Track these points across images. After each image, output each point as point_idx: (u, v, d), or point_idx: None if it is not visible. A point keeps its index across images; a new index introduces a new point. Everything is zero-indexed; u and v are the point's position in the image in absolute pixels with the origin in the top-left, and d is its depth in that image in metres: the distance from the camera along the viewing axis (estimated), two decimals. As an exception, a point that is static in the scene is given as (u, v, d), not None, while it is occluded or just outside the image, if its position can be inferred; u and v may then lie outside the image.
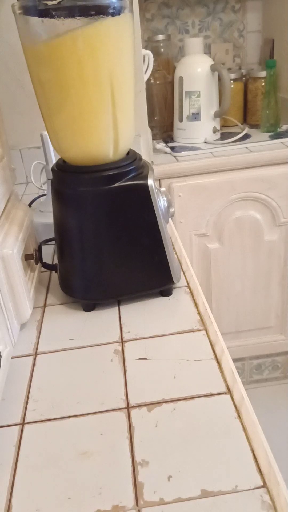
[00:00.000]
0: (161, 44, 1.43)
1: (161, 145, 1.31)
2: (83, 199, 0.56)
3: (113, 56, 0.51)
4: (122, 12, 0.52)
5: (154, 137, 1.35)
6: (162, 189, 0.62)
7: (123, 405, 0.46)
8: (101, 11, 0.50)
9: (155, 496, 0.36)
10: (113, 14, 0.50)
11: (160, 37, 1.43)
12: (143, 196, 0.57)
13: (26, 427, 0.44)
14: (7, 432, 0.44)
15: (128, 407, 0.45)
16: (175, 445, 0.40)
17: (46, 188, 0.88)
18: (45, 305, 0.64)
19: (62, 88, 0.51)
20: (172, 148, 1.28)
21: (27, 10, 0.51)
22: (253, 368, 1.58)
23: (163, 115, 1.42)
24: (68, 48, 0.49)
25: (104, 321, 0.59)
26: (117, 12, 0.51)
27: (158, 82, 1.39)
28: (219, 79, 1.28)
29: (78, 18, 0.49)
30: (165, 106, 1.41)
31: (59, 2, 0.48)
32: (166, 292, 0.63)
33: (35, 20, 0.51)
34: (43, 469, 0.40)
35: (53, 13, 0.49)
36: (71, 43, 0.49)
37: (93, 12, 0.50)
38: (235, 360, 1.51)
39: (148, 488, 0.37)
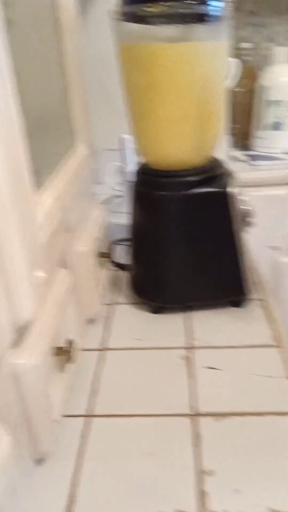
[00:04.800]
0: (246, 53, 1.41)
1: (238, 153, 1.29)
2: (163, 202, 0.57)
3: (207, 63, 0.51)
4: (218, 20, 0.52)
5: (232, 145, 1.33)
6: (242, 197, 0.61)
7: (189, 411, 0.45)
8: (199, 19, 0.50)
9: (219, 507, 0.35)
10: (210, 22, 0.51)
11: (246, 45, 1.42)
12: (222, 203, 0.56)
13: (92, 419, 0.45)
14: (74, 421, 0.45)
15: (195, 414, 0.45)
16: (243, 459, 0.39)
17: (120, 189, 0.89)
18: (114, 303, 0.65)
19: (154, 93, 0.52)
20: (250, 157, 1.26)
21: (126, 17, 0.52)
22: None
23: (242, 123, 1.40)
24: (163, 54, 0.50)
25: (171, 325, 0.59)
26: (214, 20, 0.51)
27: (240, 90, 1.37)
28: (305, 89, 1.24)
29: (176, 24, 0.49)
30: (246, 115, 1.38)
31: (159, 10, 0.49)
32: (237, 303, 0.62)
33: (133, 26, 0.52)
34: (107, 463, 0.40)
35: (152, 20, 0.50)
36: (168, 49, 0.50)
37: (190, 20, 0.51)
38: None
39: (213, 497, 0.36)
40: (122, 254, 0.80)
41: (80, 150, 0.60)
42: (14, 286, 0.33)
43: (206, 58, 0.52)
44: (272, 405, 0.45)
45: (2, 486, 0.29)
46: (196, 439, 0.42)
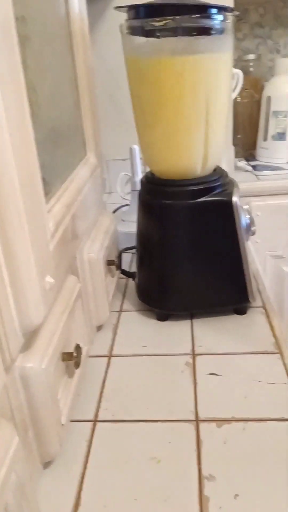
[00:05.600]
0: (251, 64, 1.43)
1: (242, 163, 1.30)
2: (168, 211, 0.58)
3: (212, 76, 0.52)
4: (222, 33, 0.53)
5: (236, 155, 1.35)
6: (246, 207, 0.62)
7: (192, 417, 0.46)
8: (203, 32, 0.52)
9: (221, 512, 0.36)
10: (214, 35, 0.52)
11: (250, 56, 1.44)
12: (227, 212, 0.57)
13: (98, 424, 0.46)
14: (81, 426, 0.46)
15: (197, 420, 0.45)
16: (244, 465, 0.40)
17: (130, 199, 0.91)
18: (121, 310, 0.66)
19: (160, 105, 0.53)
20: (254, 167, 1.27)
21: (134, 30, 0.54)
22: None
23: (246, 134, 1.41)
24: (169, 66, 0.52)
25: (176, 332, 0.60)
26: (218, 33, 0.53)
27: (244, 100, 1.39)
28: (309, 100, 1.25)
29: (180, 38, 0.51)
30: (250, 125, 1.40)
31: (165, 24, 0.51)
32: (241, 311, 0.63)
33: (140, 39, 0.54)
34: (113, 468, 0.41)
35: (158, 34, 0.52)
36: (173, 62, 0.51)
37: (195, 33, 0.52)
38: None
39: (214, 503, 0.37)
40: (129, 263, 0.81)
41: (91, 160, 0.61)
42: (25, 291, 0.34)
43: (210, 70, 0.53)
44: (273, 411, 0.45)
45: (11, 485, 0.29)
46: (200, 444, 0.43)
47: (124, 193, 1.01)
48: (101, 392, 0.50)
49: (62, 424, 0.41)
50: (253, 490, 0.38)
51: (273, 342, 0.56)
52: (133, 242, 0.71)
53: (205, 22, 0.52)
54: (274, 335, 0.57)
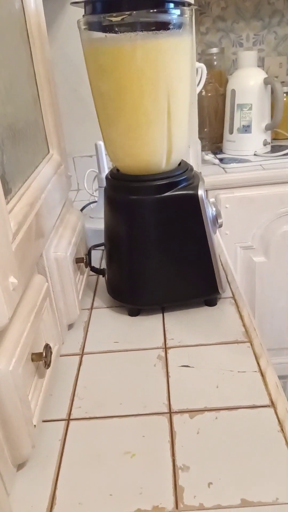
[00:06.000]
0: (215, 57, 1.44)
1: (209, 157, 1.32)
2: (134, 206, 0.58)
3: (171, 69, 0.53)
4: (181, 28, 0.53)
5: (203, 149, 1.36)
6: (211, 199, 0.63)
7: (166, 410, 0.46)
8: (162, 27, 0.52)
9: (195, 501, 0.36)
10: (172, 29, 0.52)
11: (214, 50, 1.45)
12: (193, 206, 0.58)
13: (71, 423, 0.46)
14: (54, 426, 0.46)
15: (170, 412, 0.46)
16: (217, 453, 0.41)
17: (97, 195, 0.90)
18: (91, 308, 0.66)
19: (120, 99, 0.53)
20: (221, 160, 1.29)
21: (91, 26, 0.54)
22: (294, 387, 1.54)
23: (212, 127, 1.43)
24: (128, 61, 0.51)
25: (148, 326, 0.60)
26: (176, 27, 0.53)
27: (209, 94, 1.40)
28: (272, 92, 1.27)
29: (139, 33, 0.51)
30: (215, 118, 1.41)
31: (122, 19, 0.51)
32: (211, 302, 0.64)
33: (98, 34, 0.53)
34: (87, 465, 0.41)
35: (116, 29, 0.51)
36: (131, 57, 0.51)
37: (153, 28, 0.52)
38: (275, 377, 1.47)
39: (188, 492, 0.37)
40: (99, 259, 0.81)
41: (54, 157, 0.60)
42: (-13, 293, 0.33)
43: (170, 64, 0.53)
44: (244, 399, 0.46)
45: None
46: (173, 436, 0.43)
47: (92, 190, 1.00)
48: (74, 390, 0.50)
49: (34, 425, 0.41)
50: (226, 477, 0.38)
51: (243, 331, 0.57)
52: (101, 239, 0.71)
53: (163, 17, 0.52)
54: (244, 325, 0.58)
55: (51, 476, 0.40)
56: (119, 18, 0.50)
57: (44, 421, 0.46)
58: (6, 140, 0.42)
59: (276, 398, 0.46)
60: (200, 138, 1.26)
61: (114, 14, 0.50)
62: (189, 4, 0.54)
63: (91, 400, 0.49)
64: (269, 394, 0.46)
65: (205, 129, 1.43)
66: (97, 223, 0.83)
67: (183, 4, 0.53)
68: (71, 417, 0.47)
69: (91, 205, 0.96)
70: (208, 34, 1.57)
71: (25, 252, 0.41)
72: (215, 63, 1.44)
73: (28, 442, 0.40)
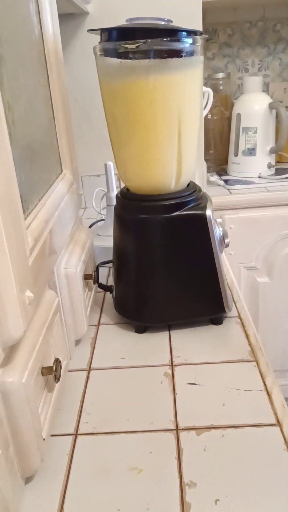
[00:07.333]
0: (221, 82, 1.48)
1: (214, 178, 1.34)
2: (143, 225, 0.60)
3: (182, 95, 0.55)
4: (193, 55, 0.56)
5: (208, 170, 1.39)
6: (219, 220, 0.64)
7: (172, 426, 0.47)
8: (174, 55, 0.54)
9: (202, 518, 0.37)
10: (184, 57, 0.55)
11: (220, 75, 1.49)
12: (201, 226, 0.59)
13: (79, 438, 0.46)
14: (62, 441, 0.46)
15: (177, 429, 0.46)
16: (223, 471, 0.41)
17: (105, 214, 0.92)
18: (99, 324, 0.67)
19: (133, 123, 0.55)
20: (226, 181, 1.31)
21: (107, 52, 0.56)
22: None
23: (218, 149, 1.45)
24: (141, 86, 0.54)
25: (154, 344, 0.61)
26: (188, 55, 0.55)
27: (215, 117, 1.43)
28: (277, 116, 1.31)
29: (152, 59, 0.53)
30: (221, 141, 1.44)
31: (137, 46, 0.53)
32: (217, 321, 0.64)
33: (113, 60, 0.56)
34: (95, 480, 0.41)
35: (131, 55, 0.54)
36: (144, 82, 0.53)
37: (166, 55, 0.55)
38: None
39: (195, 509, 0.38)
40: (106, 276, 0.82)
41: (67, 176, 0.62)
42: (4, 306, 0.34)
43: (181, 90, 0.55)
44: (250, 417, 0.47)
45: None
46: (180, 452, 0.43)
47: (100, 208, 1.02)
48: (81, 406, 0.51)
49: (43, 439, 0.41)
50: (233, 494, 0.39)
51: (249, 350, 0.58)
52: (108, 256, 0.72)
53: (176, 45, 0.54)
54: (250, 344, 0.59)
55: (59, 490, 0.41)
56: (134, 46, 0.52)
57: (52, 435, 0.46)
58: (25, 160, 0.44)
59: (282, 417, 0.46)
60: (206, 159, 1.29)
61: (130, 42, 0.52)
62: (201, 33, 0.56)
63: (99, 415, 0.49)
64: (275, 413, 0.47)
65: (210, 151, 1.45)
66: (105, 240, 0.85)
67: (195, 33, 0.55)
68: (78, 432, 0.47)
69: (98, 223, 0.98)
70: (215, 59, 1.61)
71: (39, 267, 0.42)
72: (221, 87, 1.48)
73: (37, 456, 0.40)
